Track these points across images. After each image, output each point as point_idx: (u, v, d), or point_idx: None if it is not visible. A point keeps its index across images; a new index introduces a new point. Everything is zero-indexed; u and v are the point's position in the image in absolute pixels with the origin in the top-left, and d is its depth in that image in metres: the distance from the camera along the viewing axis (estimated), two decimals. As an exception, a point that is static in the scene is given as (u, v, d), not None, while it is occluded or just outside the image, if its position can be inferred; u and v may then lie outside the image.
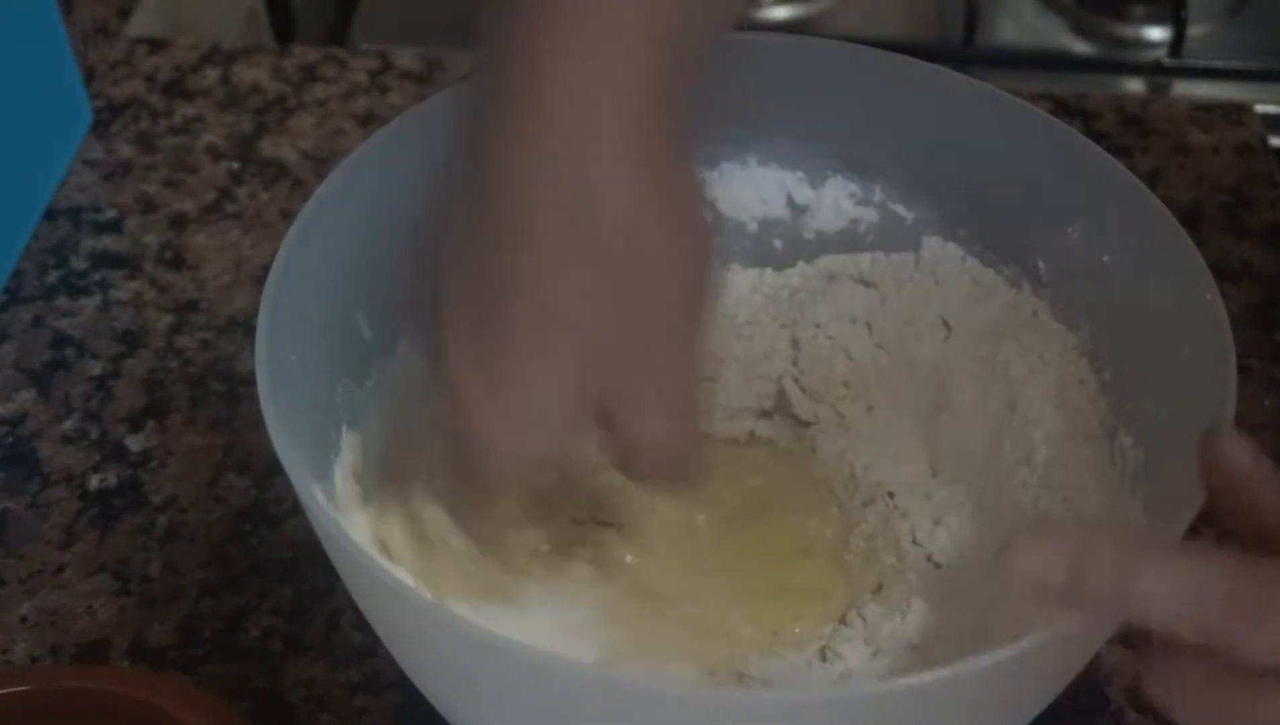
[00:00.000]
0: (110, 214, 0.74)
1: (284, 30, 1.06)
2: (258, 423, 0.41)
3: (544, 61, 0.38)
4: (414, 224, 0.43)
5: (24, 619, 0.57)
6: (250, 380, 0.42)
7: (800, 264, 0.58)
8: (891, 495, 0.54)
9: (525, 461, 0.42)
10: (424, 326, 0.43)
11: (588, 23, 0.38)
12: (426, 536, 0.48)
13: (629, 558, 0.50)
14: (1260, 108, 0.80)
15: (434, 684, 0.44)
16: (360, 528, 0.48)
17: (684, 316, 0.41)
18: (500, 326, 0.40)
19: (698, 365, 0.43)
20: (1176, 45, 0.93)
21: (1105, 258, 0.44)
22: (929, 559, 0.52)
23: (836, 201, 0.57)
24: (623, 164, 0.39)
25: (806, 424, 0.57)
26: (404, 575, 0.47)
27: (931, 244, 0.55)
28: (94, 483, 0.62)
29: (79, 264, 0.71)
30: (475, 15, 0.40)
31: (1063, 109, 0.79)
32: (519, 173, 0.39)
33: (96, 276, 0.70)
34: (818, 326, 0.57)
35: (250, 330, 0.67)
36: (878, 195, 0.56)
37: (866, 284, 0.57)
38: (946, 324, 0.55)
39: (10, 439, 0.64)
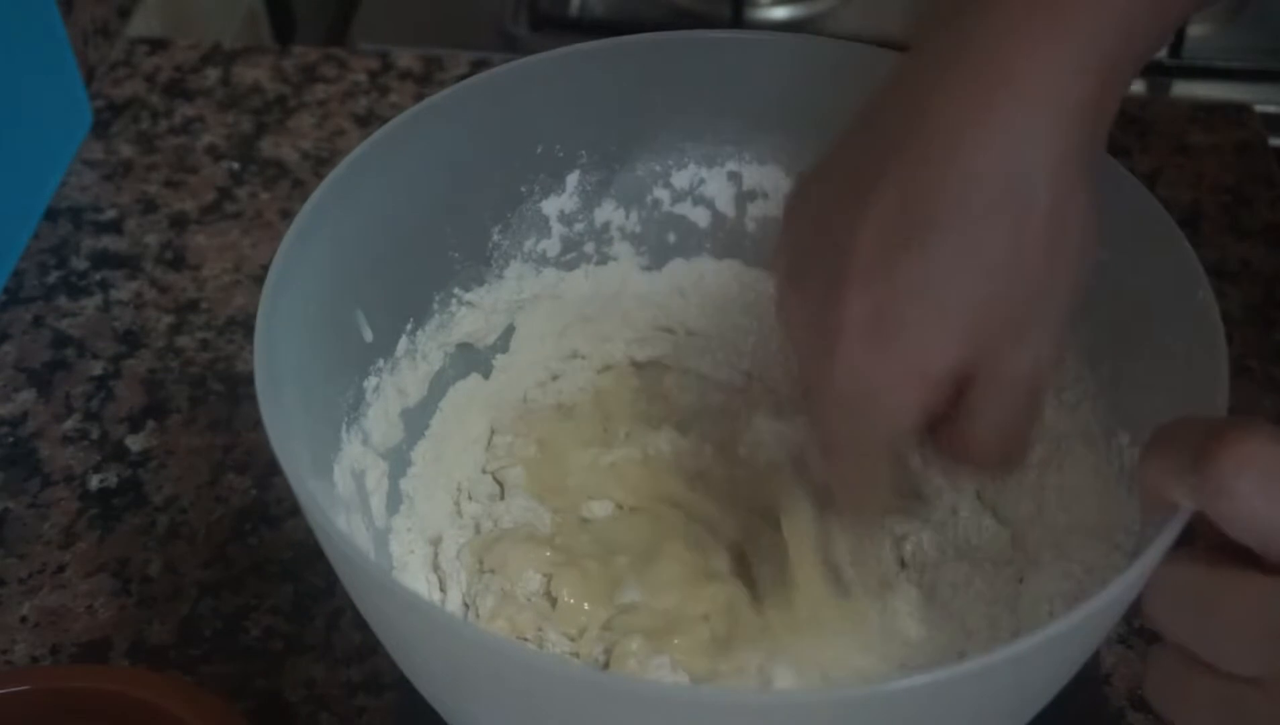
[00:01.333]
0: (110, 214, 0.74)
1: (284, 30, 1.06)
2: (258, 423, 0.41)
3: (1016, 49, 0.40)
4: (399, 240, 0.44)
5: (24, 619, 0.57)
6: (250, 380, 0.42)
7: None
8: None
9: (901, 412, 0.43)
10: (800, 267, 0.45)
11: (1064, 29, 0.40)
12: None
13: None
14: (1260, 108, 0.80)
15: (433, 685, 0.44)
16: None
17: (1062, 309, 0.43)
18: (906, 277, 0.41)
19: (1051, 370, 0.45)
20: (1176, 45, 0.93)
21: (1103, 255, 0.44)
22: (923, 558, 0.52)
23: (837, 202, 0.57)
24: (1065, 166, 0.41)
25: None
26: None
27: (931, 244, 0.55)
28: (94, 483, 0.62)
29: (79, 264, 0.71)
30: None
31: (1062, 109, 0.79)
32: (971, 145, 0.41)
33: (97, 276, 0.71)
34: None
35: (250, 330, 0.67)
36: (878, 195, 0.56)
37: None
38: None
39: (11, 439, 0.64)
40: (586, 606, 0.51)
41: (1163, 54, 0.93)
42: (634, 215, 0.57)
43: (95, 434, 0.64)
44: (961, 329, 0.42)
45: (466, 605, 0.52)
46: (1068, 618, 0.36)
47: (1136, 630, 0.55)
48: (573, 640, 0.51)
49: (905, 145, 0.42)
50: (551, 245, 0.57)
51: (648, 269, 0.58)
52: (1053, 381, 0.49)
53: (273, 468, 0.61)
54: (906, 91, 0.43)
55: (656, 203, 0.57)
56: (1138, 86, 0.94)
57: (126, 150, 0.77)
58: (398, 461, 0.53)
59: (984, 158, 0.41)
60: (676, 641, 0.49)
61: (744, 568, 0.53)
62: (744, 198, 0.57)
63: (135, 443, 0.63)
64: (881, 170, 0.42)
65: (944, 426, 0.45)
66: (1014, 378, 0.43)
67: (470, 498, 0.55)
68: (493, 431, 0.57)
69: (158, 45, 0.84)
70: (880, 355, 0.42)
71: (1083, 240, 0.42)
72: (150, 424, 0.64)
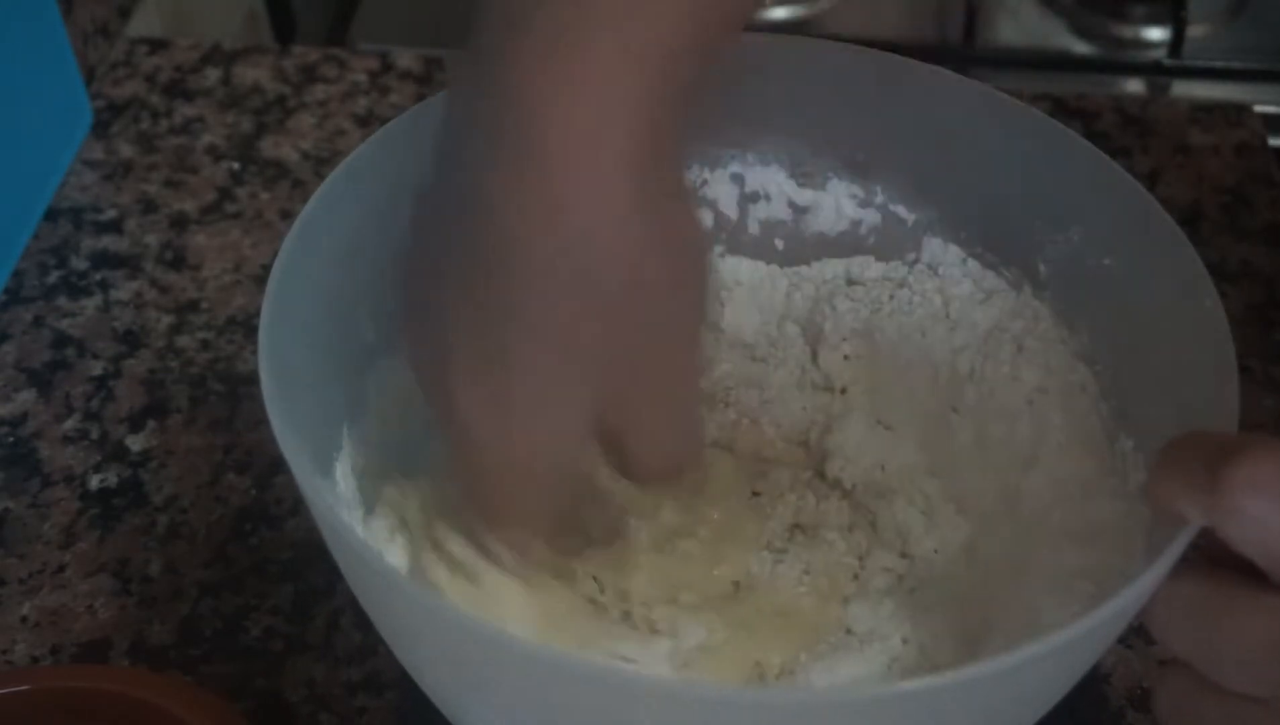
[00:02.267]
0: (111, 214, 0.74)
1: (284, 30, 1.06)
2: (258, 422, 0.41)
3: (538, 102, 0.38)
4: (399, 241, 0.43)
5: (24, 619, 0.57)
6: (250, 380, 0.42)
7: (801, 266, 0.58)
8: (890, 496, 0.54)
9: (540, 475, 0.43)
10: (420, 346, 0.43)
11: (583, 60, 0.38)
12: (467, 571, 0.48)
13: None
14: (1260, 108, 0.80)
15: (435, 680, 0.44)
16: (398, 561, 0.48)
17: (685, 336, 0.42)
18: (502, 350, 0.40)
19: (698, 378, 0.44)
20: (1176, 45, 0.93)
21: (1106, 261, 0.44)
22: (926, 561, 0.52)
23: (838, 203, 0.57)
24: (620, 204, 0.39)
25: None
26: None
27: (933, 246, 0.55)
28: (94, 483, 0.62)
29: (79, 264, 0.71)
30: (467, 28, 0.40)
31: (1062, 109, 0.79)
32: (519, 217, 0.39)
33: (97, 276, 0.70)
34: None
35: (250, 330, 0.67)
36: (879, 197, 0.56)
37: (867, 285, 0.57)
38: (947, 326, 0.55)
39: (11, 439, 0.64)
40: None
41: (1163, 54, 0.94)
42: (635, 215, 0.57)
43: (95, 434, 0.64)
44: (573, 387, 0.41)
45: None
46: (1075, 625, 0.36)
47: (1136, 630, 0.55)
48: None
49: (470, 232, 0.40)
50: (552, 245, 0.57)
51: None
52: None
53: (273, 468, 0.62)
54: (458, 166, 0.41)
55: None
56: (1138, 87, 0.94)
57: (126, 150, 0.77)
58: (398, 461, 0.53)
59: (536, 237, 0.39)
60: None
61: None
62: (746, 200, 0.57)
63: (135, 443, 0.63)
64: (454, 253, 0.40)
65: (612, 451, 0.44)
66: (656, 419, 0.43)
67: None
68: None
69: (158, 45, 0.84)
70: (503, 425, 0.41)
71: (673, 272, 0.40)
72: (150, 424, 0.64)
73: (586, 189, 0.38)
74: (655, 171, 0.39)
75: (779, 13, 0.97)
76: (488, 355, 0.40)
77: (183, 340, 0.68)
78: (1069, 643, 0.36)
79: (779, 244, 0.58)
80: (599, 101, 0.38)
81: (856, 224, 0.57)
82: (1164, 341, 0.46)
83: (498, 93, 0.39)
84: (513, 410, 0.41)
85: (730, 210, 0.58)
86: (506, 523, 0.45)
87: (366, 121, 0.79)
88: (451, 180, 0.41)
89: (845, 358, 0.57)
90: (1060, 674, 0.41)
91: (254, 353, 0.44)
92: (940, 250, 0.55)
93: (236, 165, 0.76)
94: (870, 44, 0.54)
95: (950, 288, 0.55)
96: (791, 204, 0.57)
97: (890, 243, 0.57)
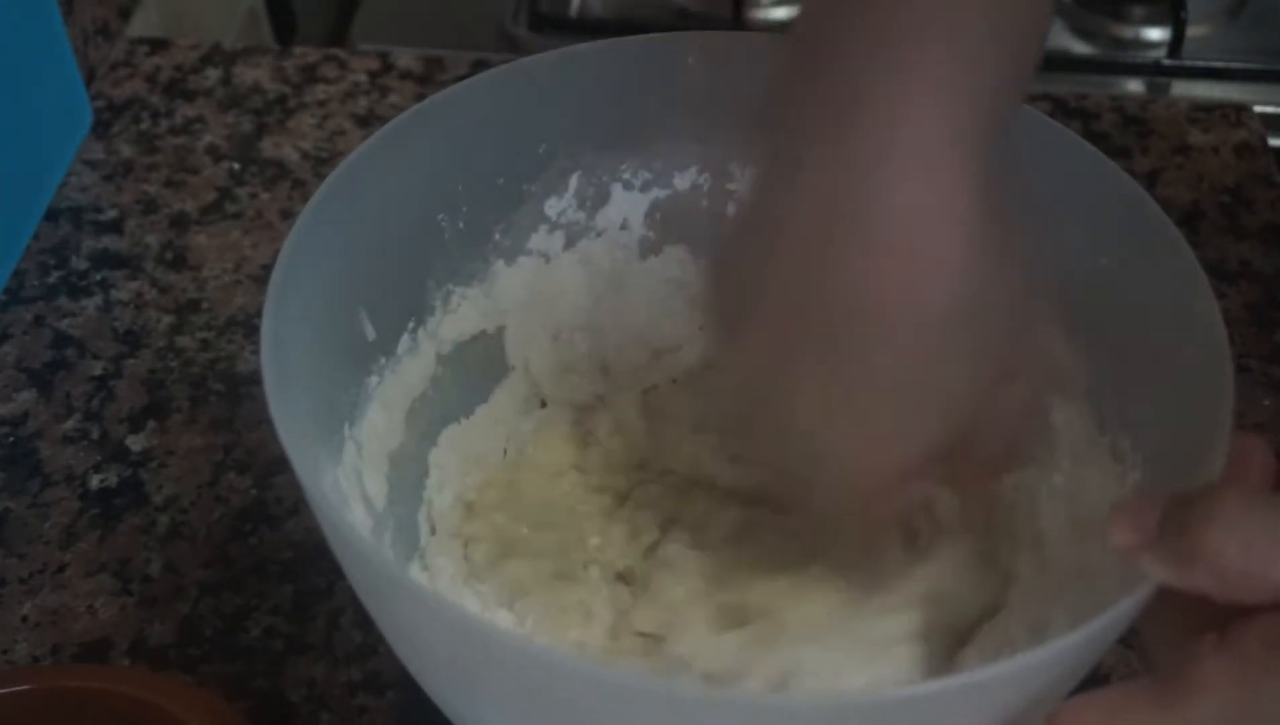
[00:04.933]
0: (111, 214, 0.74)
1: (284, 31, 1.06)
2: (258, 422, 0.41)
3: (871, 168, 0.39)
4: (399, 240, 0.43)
5: (25, 618, 0.57)
6: (251, 380, 0.43)
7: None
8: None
9: (888, 469, 0.43)
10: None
11: (906, 122, 0.39)
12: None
13: None
14: (1260, 108, 0.80)
15: (436, 679, 0.44)
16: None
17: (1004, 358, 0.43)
18: (852, 370, 0.41)
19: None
20: (1176, 45, 0.93)
21: (1103, 261, 0.44)
22: (918, 563, 0.52)
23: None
24: (967, 253, 0.40)
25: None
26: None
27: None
28: (95, 482, 0.62)
29: (80, 264, 0.71)
30: (770, 101, 0.42)
31: (1062, 109, 0.79)
32: (879, 278, 0.40)
33: (97, 277, 0.71)
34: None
35: (251, 330, 0.67)
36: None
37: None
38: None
39: (11, 439, 0.64)
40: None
41: (1162, 54, 0.94)
42: (636, 215, 0.57)
43: (95, 434, 0.64)
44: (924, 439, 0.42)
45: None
46: (1078, 631, 0.36)
47: (1136, 629, 0.55)
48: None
49: (811, 307, 0.41)
50: (553, 244, 0.57)
51: (649, 268, 0.58)
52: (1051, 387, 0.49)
53: (273, 468, 0.62)
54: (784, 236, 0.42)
55: (658, 203, 0.57)
56: (1137, 87, 0.94)
57: (127, 150, 0.77)
58: (398, 460, 0.53)
59: (883, 294, 0.40)
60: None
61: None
62: (745, 198, 0.57)
63: (136, 443, 0.63)
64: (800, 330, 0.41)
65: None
66: (996, 434, 0.44)
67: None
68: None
69: (158, 45, 0.84)
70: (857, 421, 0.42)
71: (1002, 300, 0.41)
72: (150, 424, 0.64)
73: (949, 224, 0.39)
74: (987, 216, 0.40)
75: (779, 13, 0.97)
76: (834, 368, 0.41)
77: (183, 340, 0.68)
78: (1069, 648, 0.36)
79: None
80: (925, 166, 0.39)
81: (856, 224, 0.57)
82: (1162, 341, 0.46)
83: (814, 155, 0.40)
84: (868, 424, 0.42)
85: (729, 210, 0.58)
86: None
87: (366, 121, 0.79)
88: (775, 247, 0.42)
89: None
90: (1058, 681, 0.41)
91: (254, 353, 0.44)
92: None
93: (236, 165, 0.76)
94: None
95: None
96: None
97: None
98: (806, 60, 0.41)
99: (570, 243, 0.57)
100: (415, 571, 0.53)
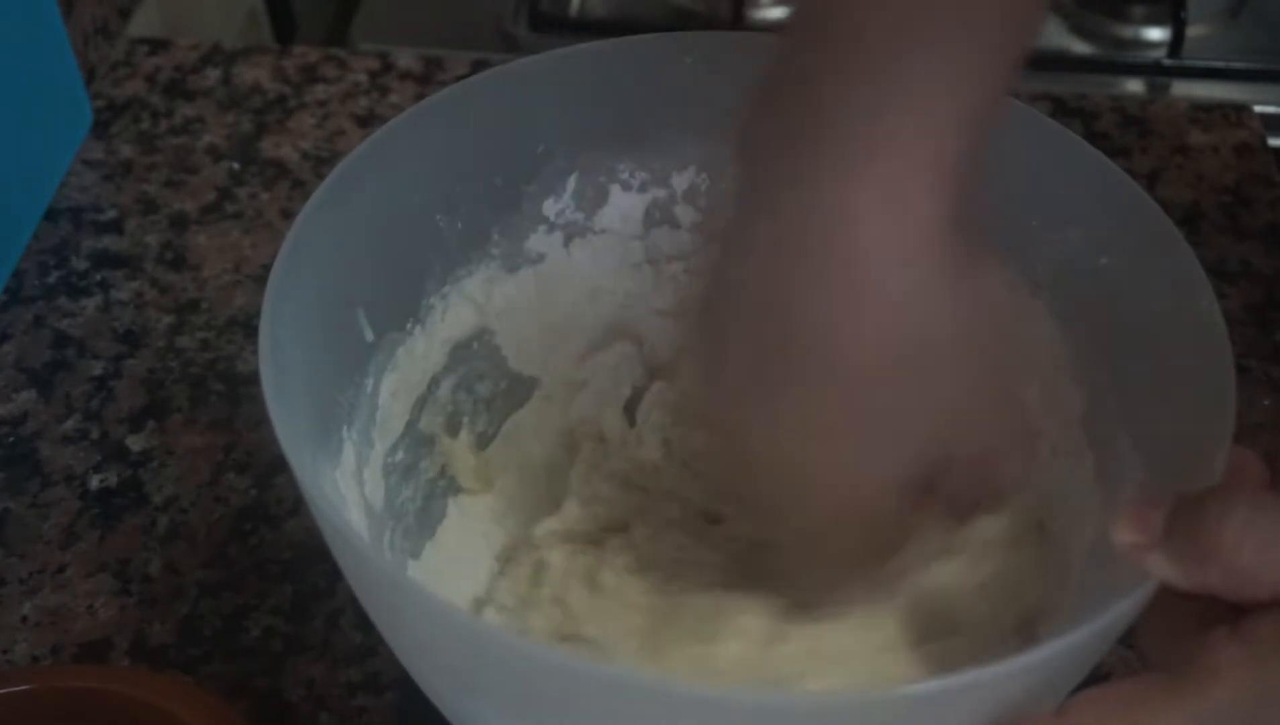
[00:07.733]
0: (111, 214, 0.74)
1: (284, 30, 1.06)
2: (258, 422, 0.41)
3: (845, 210, 0.40)
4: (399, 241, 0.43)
5: (25, 618, 0.57)
6: (251, 380, 0.43)
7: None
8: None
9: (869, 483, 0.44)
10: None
11: (880, 169, 0.40)
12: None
13: None
14: (1260, 108, 0.80)
15: (435, 680, 0.45)
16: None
17: (994, 372, 0.44)
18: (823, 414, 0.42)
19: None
20: (1176, 45, 0.93)
21: (1104, 260, 0.44)
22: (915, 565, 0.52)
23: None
24: (929, 276, 0.41)
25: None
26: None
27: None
28: (94, 482, 0.62)
29: (80, 264, 0.71)
30: (740, 131, 0.43)
31: (1062, 109, 0.79)
32: (834, 303, 0.41)
33: (97, 276, 0.71)
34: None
35: (251, 330, 0.67)
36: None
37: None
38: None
39: (11, 439, 0.64)
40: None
41: (1162, 54, 0.94)
42: (635, 216, 0.57)
43: (95, 434, 0.64)
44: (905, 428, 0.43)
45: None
46: (1078, 631, 0.36)
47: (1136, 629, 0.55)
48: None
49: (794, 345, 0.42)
50: (553, 245, 0.57)
51: (649, 269, 0.58)
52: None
53: (273, 468, 0.62)
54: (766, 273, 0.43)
55: (657, 203, 0.57)
56: (1137, 87, 0.94)
57: (127, 150, 0.77)
58: (396, 461, 0.53)
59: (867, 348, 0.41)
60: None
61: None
62: (744, 198, 0.57)
63: (135, 443, 0.63)
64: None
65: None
66: (990, 456, 0.45)
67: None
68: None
69: (158, 45, 0.84)
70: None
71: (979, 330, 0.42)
72: (150, 424, 0.64)
73: (900, 267, 0.40)
74: (958, 249, 0.42)
75: (779, 12, 0.97)
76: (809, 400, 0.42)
77: (183, 340, 0.68)
78: (1069, 648, 0.36)
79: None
80: (899, 210, 0.40)
81: (856, 223, 0.57)
82: (1162, 341, 0.46)
83: (809, 199, 0.41)
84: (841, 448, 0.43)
85: (728, 210, 0.58)
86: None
87: (366, 121, 0.79)
88: (746, 271, 0.43)
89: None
90: (1059, 683, 0.41)
91: (254, 352, 0.44)
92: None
93: (236, 165, 0.76)
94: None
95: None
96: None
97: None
98: (774, 97, 0.42)
99: (568, 243, 0.57)
100: (415, 571, 0.53)
